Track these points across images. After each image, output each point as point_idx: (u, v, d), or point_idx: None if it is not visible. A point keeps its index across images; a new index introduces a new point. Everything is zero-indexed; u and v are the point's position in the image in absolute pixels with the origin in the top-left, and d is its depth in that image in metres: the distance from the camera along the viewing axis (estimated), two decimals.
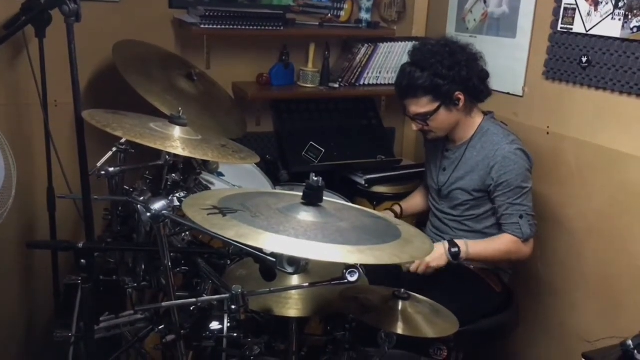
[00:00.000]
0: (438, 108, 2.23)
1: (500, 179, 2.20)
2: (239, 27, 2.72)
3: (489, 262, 2.31)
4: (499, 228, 2.28)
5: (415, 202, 2.68)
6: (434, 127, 2.29)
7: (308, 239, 1.33)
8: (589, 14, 2.33)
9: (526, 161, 2.24)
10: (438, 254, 2.17)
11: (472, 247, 2.20)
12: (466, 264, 2.30)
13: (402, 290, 1.79)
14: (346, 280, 1.45)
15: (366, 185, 2.92)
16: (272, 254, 1.42)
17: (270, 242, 1.31)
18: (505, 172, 2.20)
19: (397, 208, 2.64)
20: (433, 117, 2.25)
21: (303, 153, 2.92)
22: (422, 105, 2.24)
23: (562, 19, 2.44)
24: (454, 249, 2.17)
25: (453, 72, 2.20)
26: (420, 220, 2.71)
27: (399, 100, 2.34)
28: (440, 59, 2.20)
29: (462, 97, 2.24)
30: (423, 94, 2.22)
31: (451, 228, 2.39)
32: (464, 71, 2.22)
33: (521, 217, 2.20)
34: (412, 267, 2.18)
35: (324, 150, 2.93)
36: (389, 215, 2.48)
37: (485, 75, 2.31)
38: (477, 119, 2.33)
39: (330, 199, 1.57)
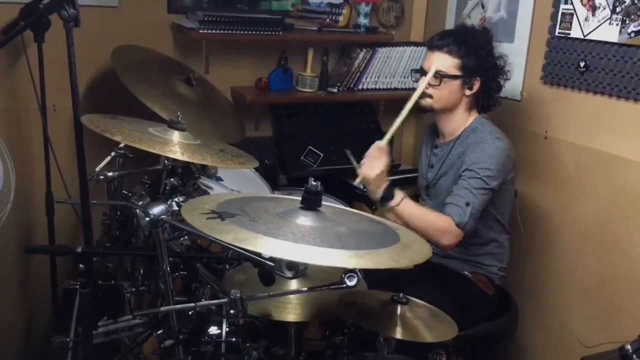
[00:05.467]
0: (456, 77, 2.24)
1: (467, 160, 2.19)
2: (238, 32, 2.72)
3: (414, 228, 2.13)
4: (490, 227, 2.28)
5: None
6: (438, 94, 2.26)
7: (306, 243, 1.33)
8: (586, 19, 2.34)
9: (503, 160, 2.19)
10: (375, 184, 2.16)
11: (406, 203, 2.16)
12: (455, 269, 2.32)
13: (401, 294, 1.79)
14: (345, 285, 1.45)
15: (365, 189, 2.91)
16: (271, 259, 1.42)
17: (268, 246, 1.31)
18: (475, 155, 2.18)
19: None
20: (448, 80, 2.24)
21: (302, 157, 2.92)
22: (447, 65, 2.24)
23: (560, 24, 2.44)
24: (389, 191, 2.16)
25: (487, 61, 2.26)
26: None
27: (428, 48, 2.32)
28: (486, 42, 2.27)
29: (477, 85, 2.26)
30: (456, 55, 2.23)
31: None
32: (493, 69, 2.27)
33: (467, 204, 2.13)
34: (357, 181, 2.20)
35: (322, 155, 2.93)
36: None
37: (499, 90, 2.33)
38: (471, 118, 2.34)
39: (329, 203, 1.58)
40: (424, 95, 2.29)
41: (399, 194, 2.17)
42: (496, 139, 2.23)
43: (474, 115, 2.34)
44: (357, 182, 2.22)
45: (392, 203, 2.16)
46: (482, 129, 2.29)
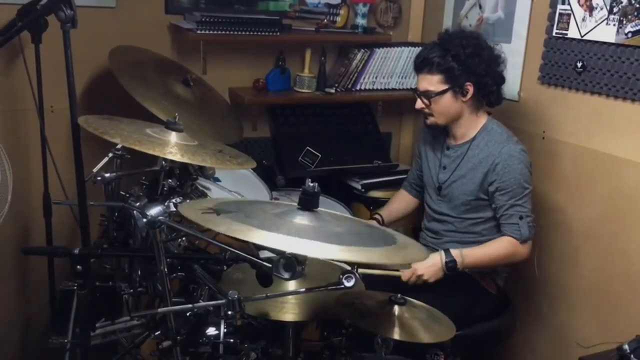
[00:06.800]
0: (445, 91, 2.25)
1: (504, 177, 2.21)
2: (236, 32, 2.72)
3: (486, 268, 2.31)
4: (498, 231, 2.28)
5: (394, 207, 2.67)
6: (436, 110, 2.29)
7: (301, 237, 1.32)
8: (583, 19, 2.34)
9: (529, 163, 2.27)
10: (433, 266, 2.18)
11: (468, 257, 2.21)
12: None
13: (399, 295, 1.79)
14: (343, 285, 1.45)
15: (363, 190, 2.92)
16: (269, 260, 1.42)
17: (261, 237, 1.30)
18: (509, 170, 2.21)
19: (378, 217, 2.60)
20: (437, 98, 2.26)
21: (299, 158, 2.92)
22: (432, 83, 2.26)
23: (557, 24, 2.45)
24: (449, 260, 2.18)
25: (471, 62, 2.23)
26: (417, 226, 2.71)
27: (414, 72, 2.36)
28: (466, 44, 2.24)
29: (471, 89, 2.25)
30: (436, 71, 2.25)
31: (448, 229, 2.39)
32: (482, 66, 2.25)
33: (521, 218, 2.21)
34: (404, 277, 2.19)
35: (320, 156, 2.93)
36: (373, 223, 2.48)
37: (500, 80, 2.33)
38: (482, 119, 2.34)
39: (326, 204, 1.58)
40: (426, 115, 2.34)
41: (456, 254, 2.20)
42: (517, 142, 2.27)
43: (484, 115, 2.35)
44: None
45: (459, 265, 2.20)
46: (498, 131, 2.31)
